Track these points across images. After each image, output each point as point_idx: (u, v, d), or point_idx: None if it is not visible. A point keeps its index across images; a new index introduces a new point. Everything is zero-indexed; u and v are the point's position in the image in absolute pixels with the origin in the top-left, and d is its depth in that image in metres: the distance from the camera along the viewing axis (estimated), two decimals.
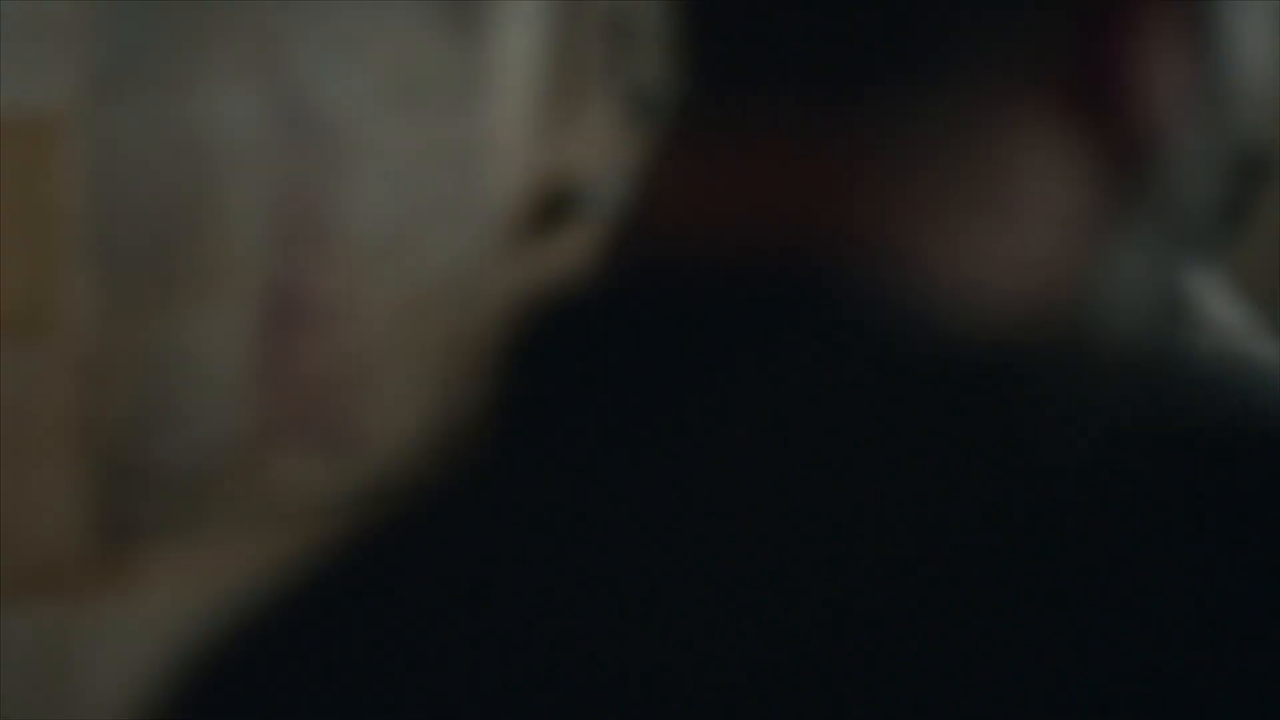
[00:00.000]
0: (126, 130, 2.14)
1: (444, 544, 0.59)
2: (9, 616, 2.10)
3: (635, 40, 2.37)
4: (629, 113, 2.34)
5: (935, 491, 0.52)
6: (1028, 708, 0.49)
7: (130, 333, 2.16)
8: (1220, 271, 1.64)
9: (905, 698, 0.50)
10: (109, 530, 2.16)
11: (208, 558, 2.20)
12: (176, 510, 2.20)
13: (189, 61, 2.16)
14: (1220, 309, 1.59)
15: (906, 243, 0.58)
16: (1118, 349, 0.57)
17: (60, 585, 2.13)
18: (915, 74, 0.59)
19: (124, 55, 2.13)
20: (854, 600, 0.51)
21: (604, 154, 2.38)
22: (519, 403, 0.60)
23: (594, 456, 0.57)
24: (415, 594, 0.58)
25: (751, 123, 0.60)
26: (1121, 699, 0.49)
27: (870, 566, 0.52)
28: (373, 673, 0.57)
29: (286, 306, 2.23)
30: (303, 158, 2.22)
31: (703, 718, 0.52)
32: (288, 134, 2.21)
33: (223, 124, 2.19)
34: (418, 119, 2.26)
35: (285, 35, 2.20)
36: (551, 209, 2.36)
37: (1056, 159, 0.60)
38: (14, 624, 2.10)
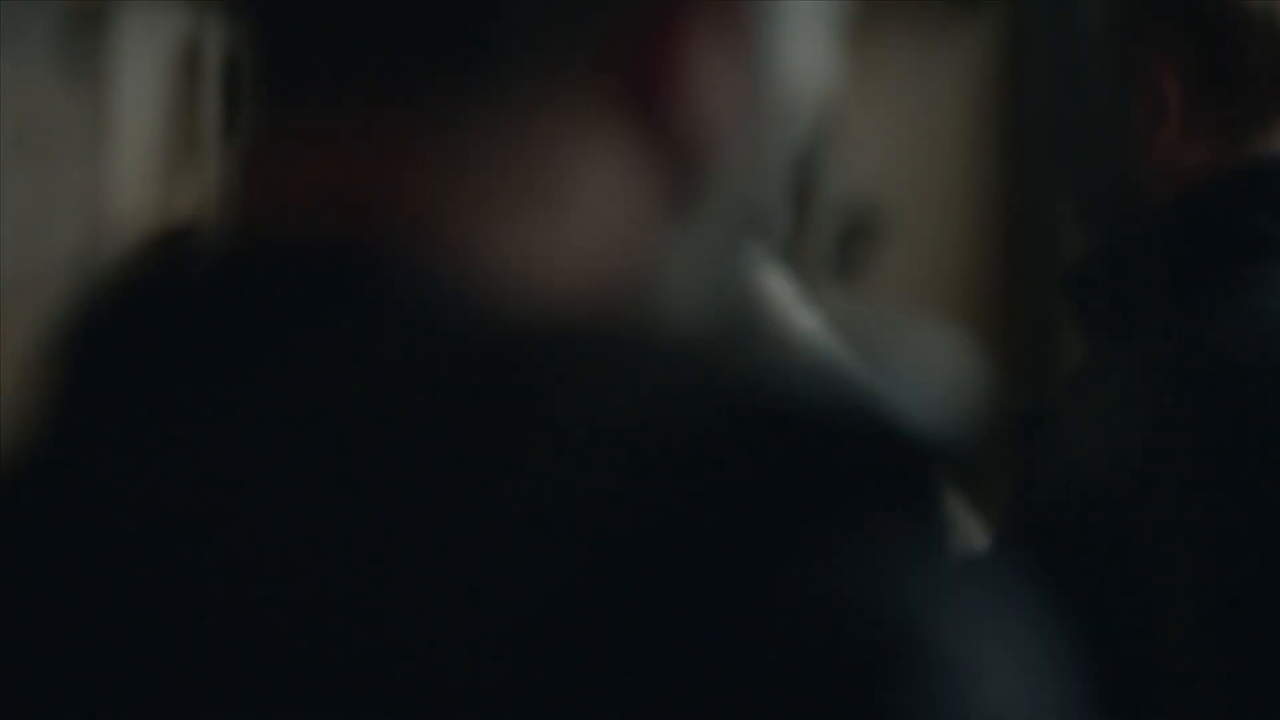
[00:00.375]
0: None
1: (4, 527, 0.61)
2: None
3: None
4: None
5: (476, 466, 0.55)
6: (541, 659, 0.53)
7: None
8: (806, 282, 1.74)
9: (419, 665, 0.53)
10: None
11: None
12: None
13: None
14: (799, 317, 1.69)
15: (464, 231, 0.62)
16: (670, 335, 0.62)
17: None
18: (472, 73, 0.62)
19: None
20: (396, 574, 0.54)
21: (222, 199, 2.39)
22: (76, 387, 0.63)
23: (149, 435, 0.60)
24: None
25: (316, 124, 0.63)
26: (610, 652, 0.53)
27: (412, 538, 0.55)
28: None
29: None
30: None
31: (251, 691, 0.55)
32: None
33: None
34: (36, 169, 2.25)
35: None
36: (172, 255, 2.36)
37: (613, 157, 0.64)
38: None
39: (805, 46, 0.69)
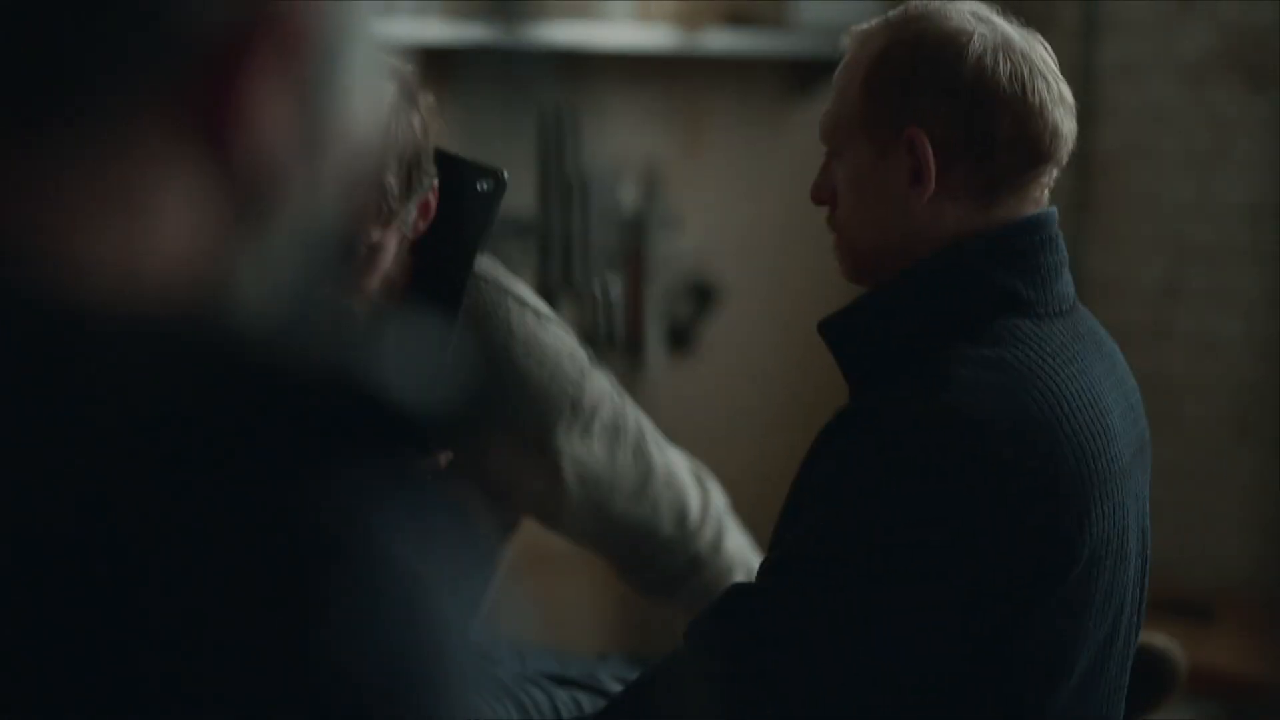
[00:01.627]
0: None
1: None
2: None
3: None
4: None
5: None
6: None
7: None
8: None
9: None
10: None
11: None
12: None
13: None
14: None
15: (55, 239, 0.74)
16: (219, 323, 0.75)
17: None
18: (56, 110, 0.74)
19: None
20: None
21: None
22: None
23: None
24: None
25: None
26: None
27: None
28: None
29: None
30: None
31: None
32: None
33: None
34: None
35: None
36: None
37: (186, 181, 0.76)
38: None
39: (364, 92, 0.81)
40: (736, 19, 3.94)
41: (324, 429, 0.72)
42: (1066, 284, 1.81)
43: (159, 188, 0.76)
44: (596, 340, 3.85)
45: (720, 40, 3.86)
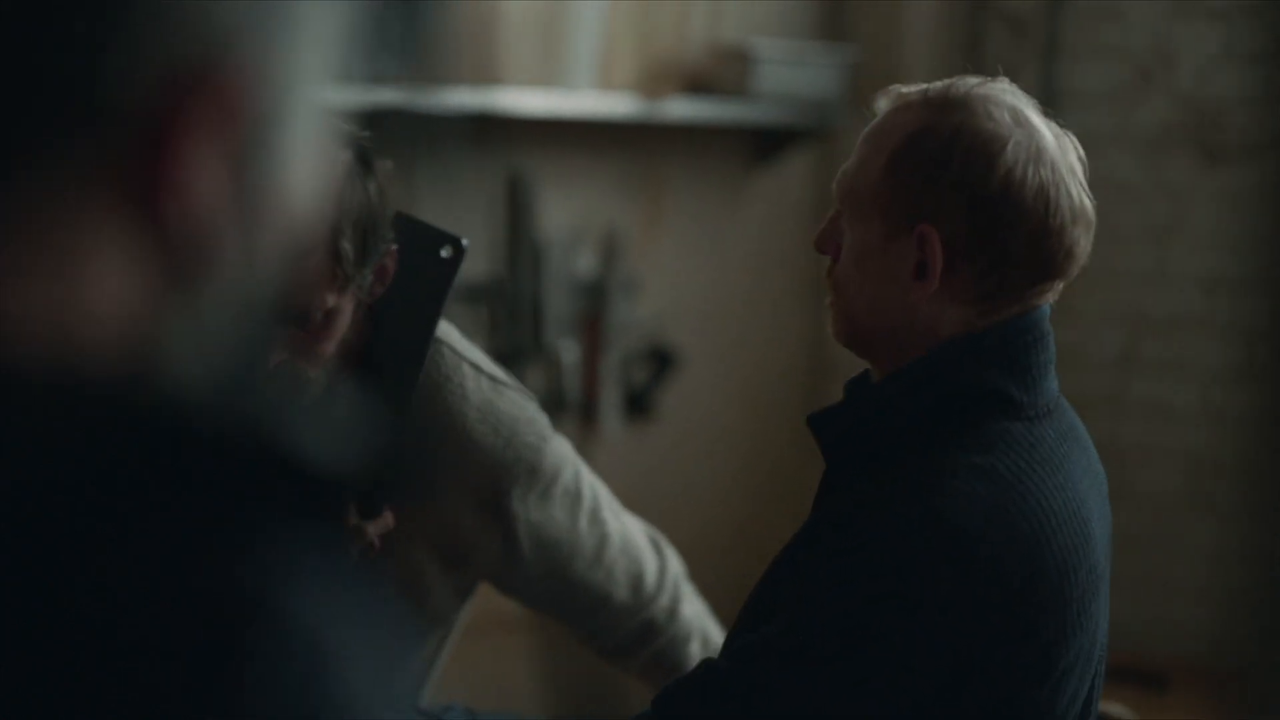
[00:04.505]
0: None
1: None
2: None
3: None
4: None
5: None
6: None
7: None
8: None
9: None
10: None
11: None
12: None
13: None
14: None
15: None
16: (159, 390, 0.77)
17: None
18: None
19: None
20: None
21: None
22: None
23: None
24: None
25: None
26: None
27: None
28: None
29: None
30: None
31: None
32: None
33: None
34: None
35: None
36: None
37: (119, 244, 0.77)
38: None
39: (306, 159, 0.82)
40: (697, 88, 3.96)
41: (242, 494, 0.74)
42: (1053, 379, 1.80)
43: (92, 253, 0.77)
44: (555, 405, 3.86)
45: (681, 108, 3.87)
